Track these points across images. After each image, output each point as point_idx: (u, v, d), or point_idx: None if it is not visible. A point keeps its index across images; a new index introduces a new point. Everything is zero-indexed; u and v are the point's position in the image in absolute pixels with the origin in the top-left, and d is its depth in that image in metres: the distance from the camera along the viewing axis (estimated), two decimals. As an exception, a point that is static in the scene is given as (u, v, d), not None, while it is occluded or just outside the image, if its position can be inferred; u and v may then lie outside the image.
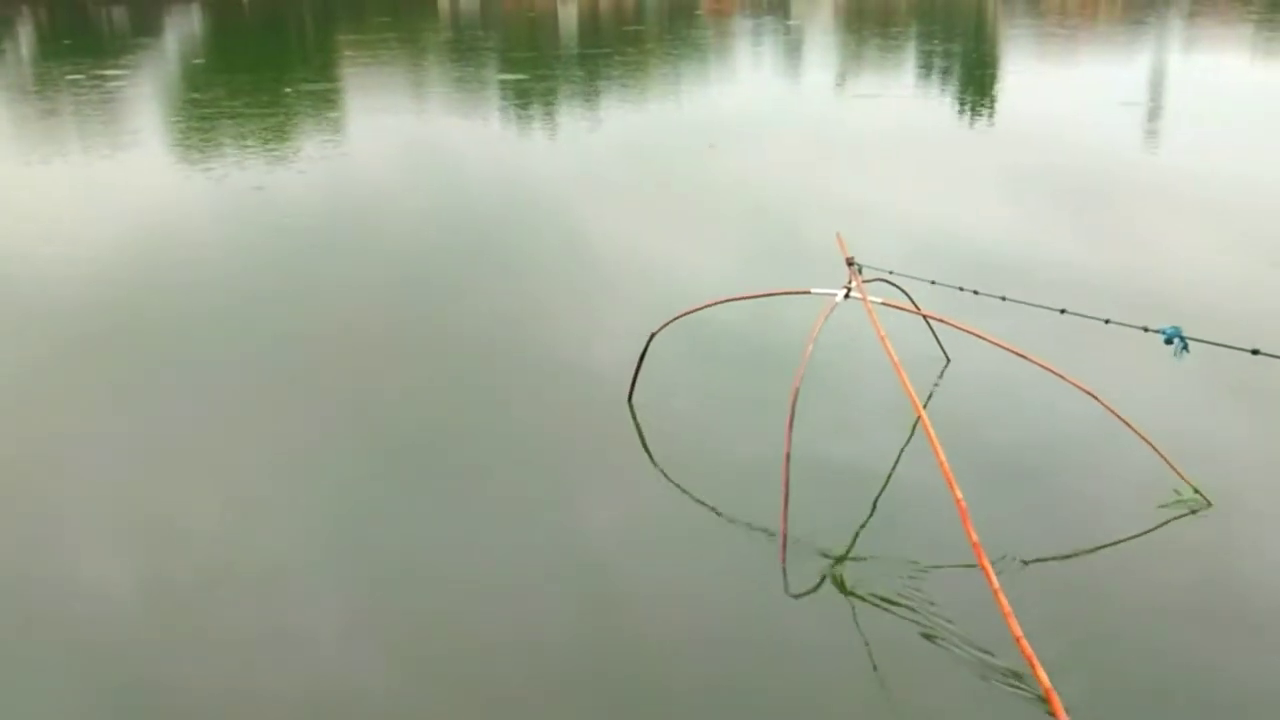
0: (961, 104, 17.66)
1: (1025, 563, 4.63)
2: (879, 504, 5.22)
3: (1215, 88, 18.52)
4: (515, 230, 10.08)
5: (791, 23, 34.20)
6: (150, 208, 11.08)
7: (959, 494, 4.04)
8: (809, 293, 5.73)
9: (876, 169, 12.46)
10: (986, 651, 4.03)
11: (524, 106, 17.87)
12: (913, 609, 4.34)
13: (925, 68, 22.52)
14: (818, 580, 4.56)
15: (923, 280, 5.89)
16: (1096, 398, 5.13)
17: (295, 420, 6.26)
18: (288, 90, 18.85)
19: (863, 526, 5.00)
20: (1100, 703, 3.77)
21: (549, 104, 18.00)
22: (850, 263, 5.73)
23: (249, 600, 4.61)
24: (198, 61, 24.88)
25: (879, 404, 6.09)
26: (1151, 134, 14.38)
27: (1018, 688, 3.80)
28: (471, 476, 5.54)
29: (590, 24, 34.69)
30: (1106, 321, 5.09)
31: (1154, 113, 15.87)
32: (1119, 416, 5.10)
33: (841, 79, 21.38)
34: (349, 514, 5.24)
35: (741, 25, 33.68)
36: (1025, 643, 3.67)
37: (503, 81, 20.91)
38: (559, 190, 11.77)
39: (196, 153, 13.92)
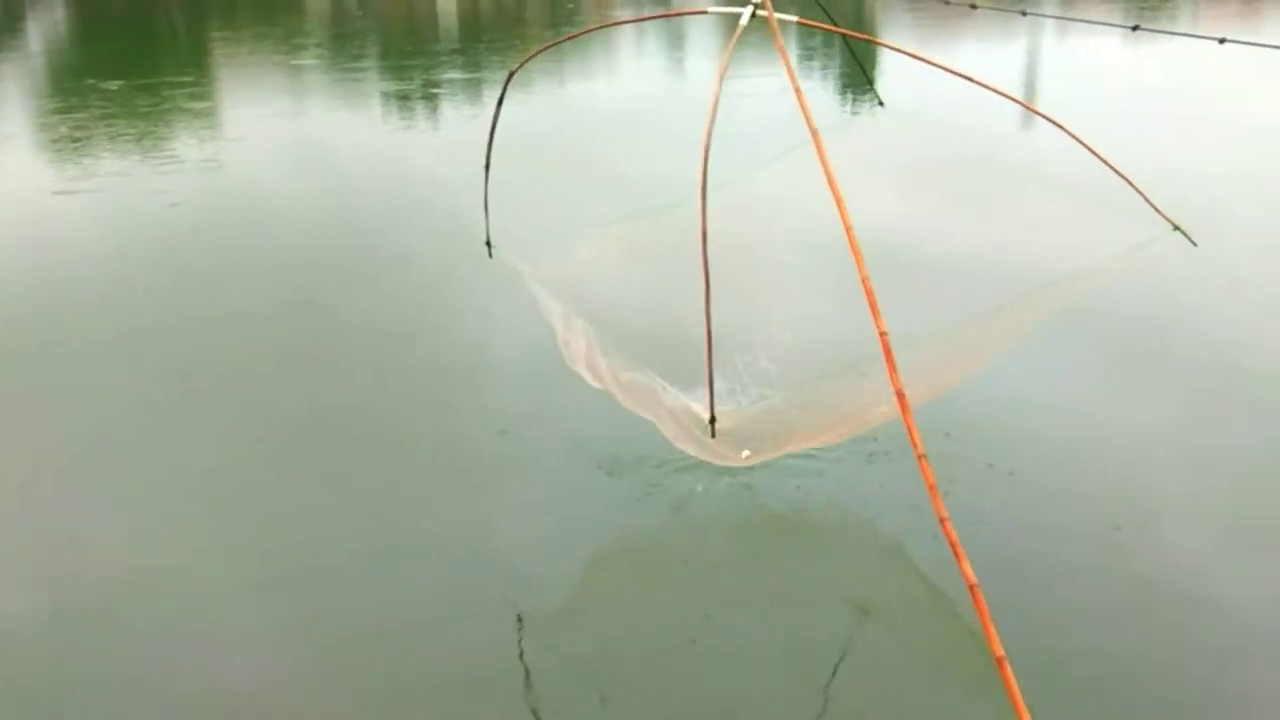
0: (841, 96, 17.93)
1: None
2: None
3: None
4: (398, 226, 9.99)
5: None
6: (17, 220, 10.63)
7: (883, 326, 3.27)
8: (706, 12, 5.12)
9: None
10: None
11: (402, 101, 17.62)
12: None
13: (804, 60, 22.76)
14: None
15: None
16: (1064, 128, 4.61)
17: (187, 430, 6.28)
18: (158, 89, 18.24)
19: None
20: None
21: (429, 99, 17.78)
22: None
23: (157, 608, 4.69)
24: (64, 60, 23.98)
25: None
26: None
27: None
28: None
29: (470, 15, 34.31)
30: (1135, 27, 4.83)
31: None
32: (1092, 150, 4.58)
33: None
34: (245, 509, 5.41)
35: (623, 13, 33.65)
36: (949, 525, 3.04)
37: (379, 76, 20.59)
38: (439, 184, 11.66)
39: (68, 160, 13.39)
